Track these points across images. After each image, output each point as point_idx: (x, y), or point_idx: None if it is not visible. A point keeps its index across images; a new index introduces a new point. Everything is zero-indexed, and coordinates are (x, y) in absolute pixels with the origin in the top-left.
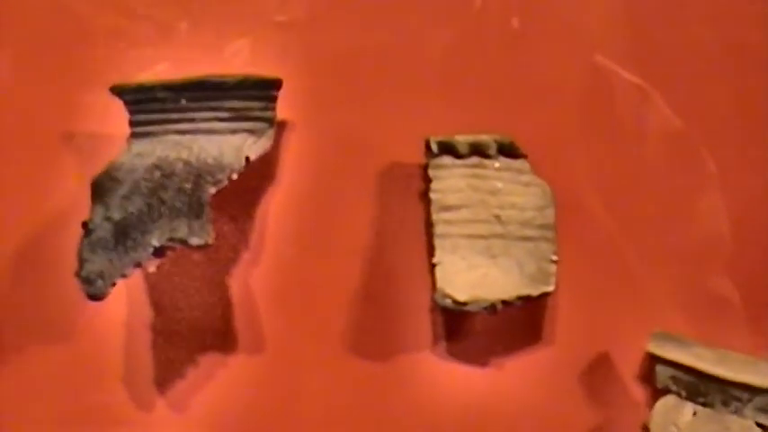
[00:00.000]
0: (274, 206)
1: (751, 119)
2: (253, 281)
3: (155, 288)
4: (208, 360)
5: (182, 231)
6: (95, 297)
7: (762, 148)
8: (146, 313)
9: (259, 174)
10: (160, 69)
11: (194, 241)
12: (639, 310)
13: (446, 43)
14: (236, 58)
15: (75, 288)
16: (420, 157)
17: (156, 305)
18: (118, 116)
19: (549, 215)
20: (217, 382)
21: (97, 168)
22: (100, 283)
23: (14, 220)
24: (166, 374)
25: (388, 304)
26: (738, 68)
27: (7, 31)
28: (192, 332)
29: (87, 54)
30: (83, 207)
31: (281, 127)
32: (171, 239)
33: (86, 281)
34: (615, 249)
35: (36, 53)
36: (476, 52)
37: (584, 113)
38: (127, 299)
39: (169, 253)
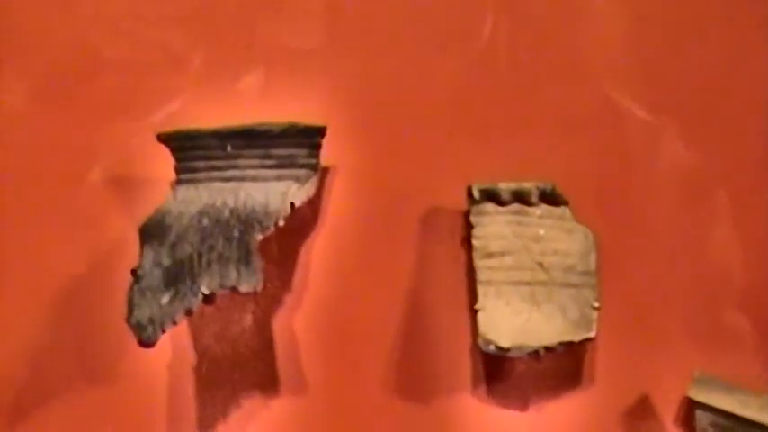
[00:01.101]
0: (317, 249)
1: (763, 153)
2: (295, 323)
3: (197, 330)
4: (251, 402)
5: (232, 278)
6: (147, 343)
7: None
8: (189, 355)
9: (301, 217)
10: (177, 101)
11: (244, 288)
12: (675, 349)
13: (476, 85)
14: (251, 89)
15: (119, 331)
16: (461, 202)
17: (199, 347)
18: (156, 158)
19: (591, 261)
20: (259, 423)
21: (140, 211)
22: (150, 329)
23: (59, 264)
24: (210, 416)
25: (429, 347)
26: (750, 104)
27: (23, 62)
28: (235, 374)
29: (101, 85)
30: (128, 251)
31: (323, 171)
32: (221, 286)
33: (138, 327)
34: (643, 290)
35: (52, 85)
36: (495, 91)
37: (597, 149)
38: (170, 341)
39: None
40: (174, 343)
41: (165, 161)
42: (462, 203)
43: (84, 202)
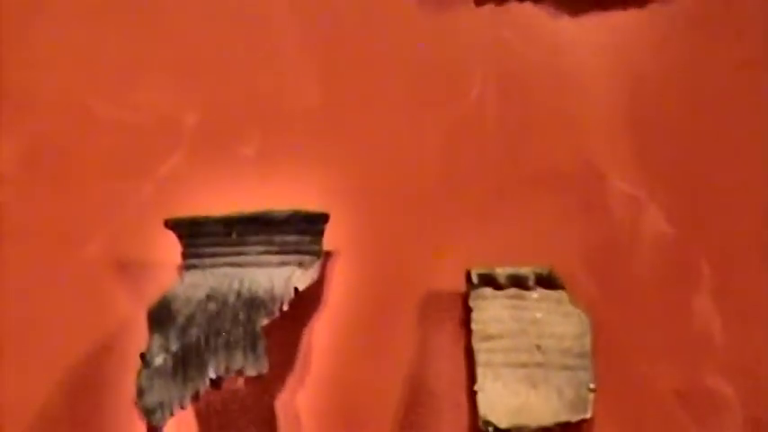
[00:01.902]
0: (318, 331)
1: (745, 225)
2: (297, 403)
3: (201, 413)
4: None
5: (238, 362)
6: (155, 428)
7: (755, 251)
8: None
9: (304, 299)
10: (172, 164)
11: (250, 372)
12: (666, 417)
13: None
14: (247, 152)
15: (126, 416)
16: (460, 284)
17: (204, 429)
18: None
19: (587, 344)
20: None
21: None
22: (159, 413)
23: (66, 348)
24: None
25: (430, 427)
26: (733, 180)
27: (14, 127)
28: None
29: (95, 148)
30: (134, 335)
31: (325, 255)
32: (228, 371)
33: (147, 411)
34: (633, 360)
35: (45, 149)
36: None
37: (582, 219)
38: (175, 425)
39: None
40: (180, 426)
41: (157, 239)
42: (461, 285)
43: (85, 276)
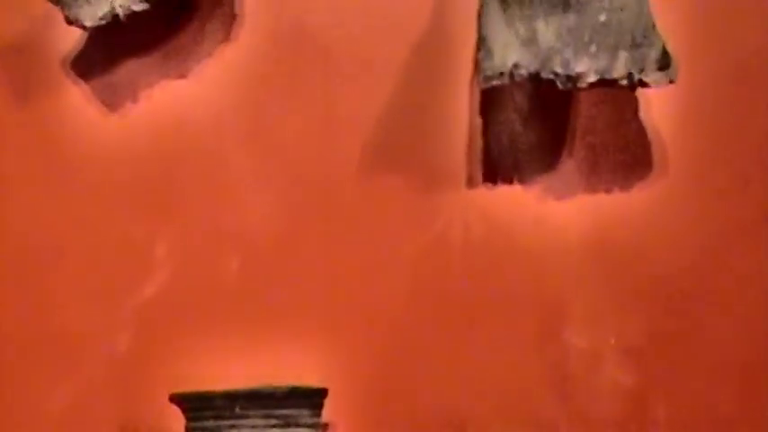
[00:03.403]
0: None
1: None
2: None
3: None
4: None
5: None
6: None
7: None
8: None
9: None
10: (145, 291)
11: None
12: None
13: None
14: (222, 278)
15: None
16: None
17: None
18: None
19: None
20: None
21: None
22: None
23: None
24: None
25: None
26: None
27: None
28: None
29: (63, 276)
30: None
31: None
32: None
33: None
34: None
35: (10, 277)
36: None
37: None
38: None
39: None
40: None
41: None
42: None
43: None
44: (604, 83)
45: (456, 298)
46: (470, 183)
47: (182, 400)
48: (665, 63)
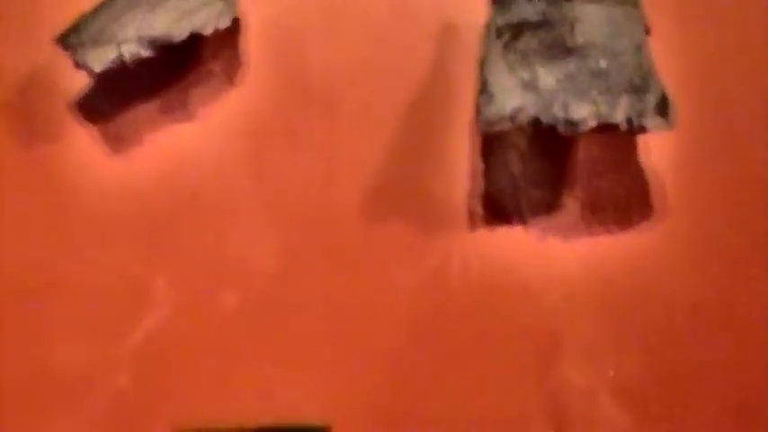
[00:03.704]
0: None
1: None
2: None
3: None
4: None
5: None
6: None
7: None
8: None
9: None
10: (142, 327)
11: None
12: None
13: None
14: (225, 311)
15: None
16: None
17: None
18: None
19: None
20: None
21: None
22: None
23: None
24: None
25: None
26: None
27: None
28: None
29: (60, 309)
30: None
31: None
32: None
33: None
34: None
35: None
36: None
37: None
38: None
39: None
40: None
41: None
42: None
43: None
44: (605, 128)
45: (455, 334)
46: (471, 223)
47: None
48: (664, 108)
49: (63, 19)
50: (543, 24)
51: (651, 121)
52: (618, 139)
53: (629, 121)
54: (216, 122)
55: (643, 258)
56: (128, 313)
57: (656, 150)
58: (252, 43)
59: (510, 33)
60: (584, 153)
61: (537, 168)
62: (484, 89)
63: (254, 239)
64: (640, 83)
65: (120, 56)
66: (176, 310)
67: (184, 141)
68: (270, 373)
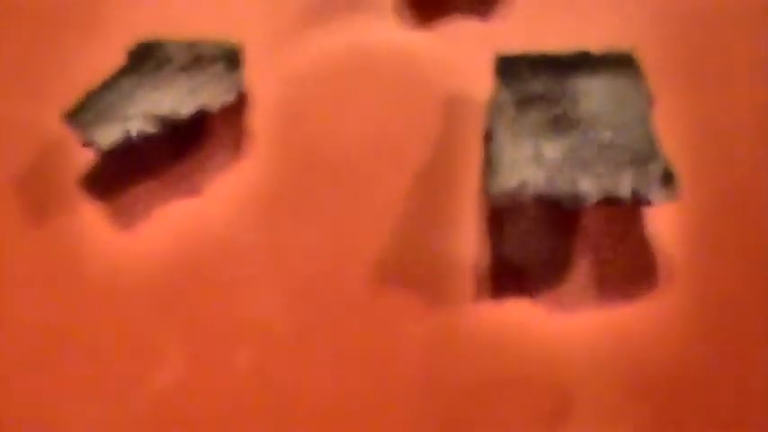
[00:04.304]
0: None
1: None
2: None
3: None
4: None
5: None
6: None
7: None
8: None
9: None
10: (153, 386)
11: None
12: None
13: None
14: (238, 368)
15: None
16: None
17: None
18: None
19: None
20: None
21: None
22: None
23: None
24: None
25: None
26: None
27: None
28: None
29: (71, 367)
30: None
31: None
32: None
33: None
34: None
35: (16, 365)
36: None
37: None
38: None
39: None
40: None
41: None
42: None
43: None
44: (610, 201)
45: (464, 397)
46: (478, 292)
47: None
48: (669, 180)
49: (70, 96)
50: (548, 98)
51: (656, 193)
52: (624, 210)
53: (635, 193)
54: (223, 195)
55: (650, 328)
56: (138, 374)
57: (662, 219)
58: (258, 116)
59: (515, 107)
60: (589, 222)
61: (544, 237)
62: (489, 163)
63: (265, 304)
64: (645, 155)
65: (127, 133)
66: (187, 371)
67: (192, 215)
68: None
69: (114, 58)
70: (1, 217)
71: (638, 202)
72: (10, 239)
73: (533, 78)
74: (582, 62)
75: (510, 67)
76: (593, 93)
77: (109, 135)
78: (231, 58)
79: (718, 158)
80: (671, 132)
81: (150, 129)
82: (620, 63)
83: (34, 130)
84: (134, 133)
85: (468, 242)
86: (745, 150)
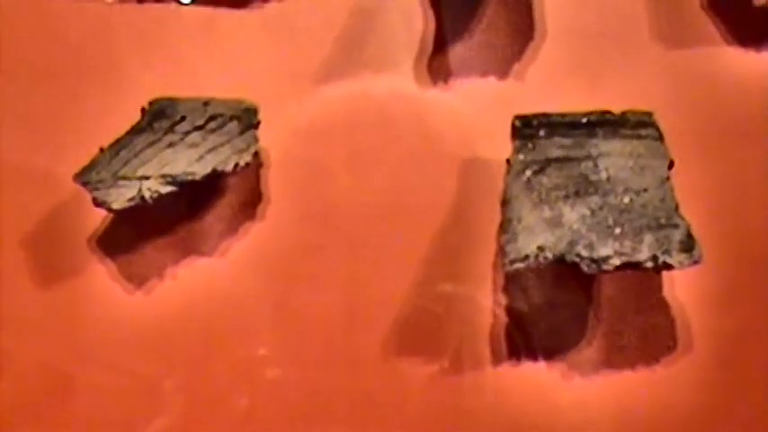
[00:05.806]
0: None
1: None
2: None
3: None
4: None
5: None
6: None
7: None
8: None
9: None
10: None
11: None
12: None
13: None
14: (232, 414)
15: None
16: None
17: None
18: None
19: None
20: None
21: None
22: None
23: None
24: None
25: None
26: None
27: None
28: None
29: (73, 410)
30: None
31: None
32: None
33: None
34: None
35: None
36: None
37: None
38: None
39: None
40: None
41: None
42: None
43: None
44: (629, 265)
45: None
46: (494, 362)
47: None
48: (689, 245)
49: (86, 150)
50: (566, 161)
51: (676, 258)
52: (643, 274)
53: (654, 258)
54: (235, 257)
55: (667, 394)
56: (139, 415)
57: (681, 285)
58: (272, 177)
59: (533, 170)
60: (608, 286)
61: (561, 302)
62: (507, 228)
63: (275, 366)
64: (664, 219)
65: (140, 193)
66: (186, 411)
67: (203, 275)
68: None
69: (131, 113)
70: (14, 270)
71: (658, 267)
72: (22, 292)
73: (551, 140)
74: (601, 124)
75: (527, 129)
76: (612, 155)
77: (121, 196)
78: (246, 118)
79: (736, 221)
80: (690, 196)
81: (164, 189)
82: (639, 125)
83: (49, 182)
84: (147, 195)
85: (484, 307)
86: (764, 213)
